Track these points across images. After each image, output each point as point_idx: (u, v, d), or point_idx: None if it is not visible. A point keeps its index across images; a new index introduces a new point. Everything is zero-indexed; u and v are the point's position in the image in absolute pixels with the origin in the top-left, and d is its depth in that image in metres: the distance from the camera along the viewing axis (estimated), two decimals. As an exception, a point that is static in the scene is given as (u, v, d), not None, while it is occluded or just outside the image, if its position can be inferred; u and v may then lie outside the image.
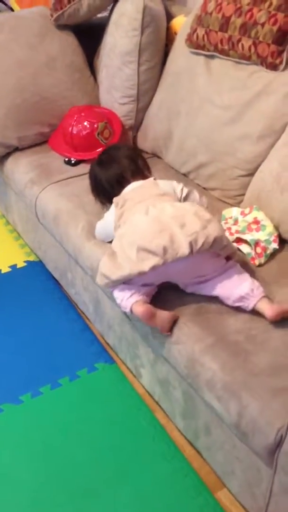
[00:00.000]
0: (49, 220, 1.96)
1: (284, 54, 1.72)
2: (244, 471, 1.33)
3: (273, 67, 1.74)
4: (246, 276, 1.44)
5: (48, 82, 2.28)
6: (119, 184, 1.67)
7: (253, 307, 1.39)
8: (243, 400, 1.22)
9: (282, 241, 1.65)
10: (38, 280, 2.28)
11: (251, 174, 1.81)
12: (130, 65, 2.18)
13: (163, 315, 1.41)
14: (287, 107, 1.70)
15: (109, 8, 2.34)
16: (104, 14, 2.41)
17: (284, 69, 1.72)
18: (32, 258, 2.41)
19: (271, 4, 1.71)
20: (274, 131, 1.74)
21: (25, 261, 2.39)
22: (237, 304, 1.41)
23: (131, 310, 1.45)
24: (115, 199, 1.63)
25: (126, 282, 1.45)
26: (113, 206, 1.63)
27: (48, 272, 2.27)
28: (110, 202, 1.67)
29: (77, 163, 2.15)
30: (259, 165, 1.78)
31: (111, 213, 1.63)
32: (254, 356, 1.29)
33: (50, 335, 2.01)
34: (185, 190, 1.65)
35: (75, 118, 2.14)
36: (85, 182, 1.87)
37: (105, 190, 1.72)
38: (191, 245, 1.36)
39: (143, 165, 1.75)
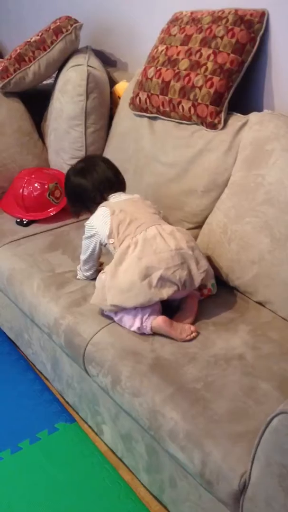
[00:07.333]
0: (2, 280, 1.96)
1: (222, 114, 1.83)
2: (211, 521, 1.32)
3: (212, 126, 1.85)
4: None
5: (-2, 147, 2.33)
6: (104, 190, 1.74)
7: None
8: (205, 448, 1.22)
9: (230, 289, 1.72)
10: (-7, 343, 2.25)
11: (199, 226, 1.88)
12: (77, 128, 2.27)
13: (179, 324, 1.55)
14: (228, 162, 1.80)
15: (54, 75, 2.45)
16: (49, 81, 2.51)
17: (222, 128, 1.83)
18: (-14, 320, 2.38)
19: (206, 69, 1.83)
20: (217, 185, 1.82)
21: (-21, 324, 2.37)
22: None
23: (150, 327, 1.54)
24: (106, 206, 1.68)
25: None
26: (107, 212, 1.66)
27: (3, 333, 2.25)
28: (89, 209, 1.76)
29: (29, 223, 2.18)
30: (205, 218, 1.86)
31: (104, 219, 1.65)
32: (213, 403, 1.31)
33: (8, 398, 1.97)
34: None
35: (25, 180, 2.17)
36: (38, 241, 1.88)
37: (88, 196, 1.76)
38: (202, 280, 1.60)
39: (122, 178, 1.83)
